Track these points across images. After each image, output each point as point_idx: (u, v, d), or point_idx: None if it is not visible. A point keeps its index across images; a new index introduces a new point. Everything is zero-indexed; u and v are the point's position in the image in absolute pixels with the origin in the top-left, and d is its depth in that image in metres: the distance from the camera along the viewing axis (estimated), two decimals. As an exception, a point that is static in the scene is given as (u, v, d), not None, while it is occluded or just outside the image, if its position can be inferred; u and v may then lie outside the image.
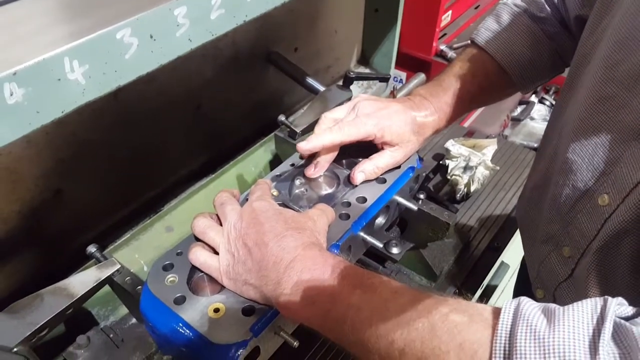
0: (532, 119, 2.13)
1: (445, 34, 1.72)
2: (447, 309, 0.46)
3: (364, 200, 0.70)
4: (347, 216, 0.68)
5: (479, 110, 1.88)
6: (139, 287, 0.69)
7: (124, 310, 0.88)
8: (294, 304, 0.53)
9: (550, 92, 2.21)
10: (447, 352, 0.43)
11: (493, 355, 0.41)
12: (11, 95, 0.41)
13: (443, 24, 1.65)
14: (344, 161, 0.77)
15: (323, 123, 0.73)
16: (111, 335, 0.79)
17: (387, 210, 0.75)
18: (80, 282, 0.67)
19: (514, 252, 1.11)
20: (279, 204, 0.64)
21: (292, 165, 0.77)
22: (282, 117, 0.96)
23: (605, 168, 0.61)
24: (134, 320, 0.83)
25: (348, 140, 0.71)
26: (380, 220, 0.75)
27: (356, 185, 0.73)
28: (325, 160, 0.73)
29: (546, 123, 2.27)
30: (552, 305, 0.42)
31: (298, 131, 0.91)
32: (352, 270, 0.53)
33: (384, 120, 0.71)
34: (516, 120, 2.07)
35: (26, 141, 0.71)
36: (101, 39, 0.46)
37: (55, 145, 0.75)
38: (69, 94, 0.46)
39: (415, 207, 0.75)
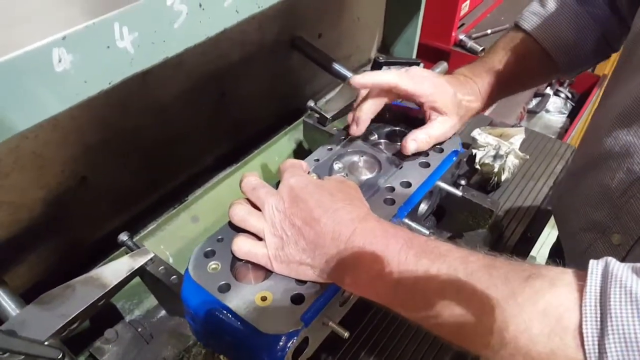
0: (547, 111, 2.10)
1: (463, 24, 1.69)
2: (525, 273, 0.43)
3: (409, 185, 0.67)
4: (392, 201, 0.65)
5: (495, 103, 1.85)
6: (174, 277, 0.66)
7: (149, 303, 0.84)
8: (362, 280, 0.50)
9: (565, 85, 2.17)
10: (530, 320, 0.40)
11: (584, 319, 0.38)
12: (60, 62, 0.38)
13: (462, 13, 1.62)
14: (384, 131, 0.75)
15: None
16: (139, 329, 0.76)
17: (429, 197, 0.72)
18: (113, 271, 0.64)
19: (539, 244, 1.09)
20: None
21: (330, 149, 0.74)
22: (311, 103, 0.92)
23: None
24: (162, 313, 0.80)
25: (403, 86, 0.68)
26: (423, 206, 0.72)
27: (398, 169, 0.70)
28: (366, 116, 0.71)
29: (562, 115, 2.21)
30: None
31: (329, 117, 0.88)
32: (415, 239, 0.50)
33: (438, 87, 0.70)
34: (532, 113, 2.04)
35: (53, 125, 0.68)
36: (152, 4, 0.42)
37: (82, 129, 0.72)
38: (118, 63, 0.42)
39: (459, 193, 0.72)
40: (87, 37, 0.39)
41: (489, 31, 1.69)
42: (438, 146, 0.74)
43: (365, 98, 0.71)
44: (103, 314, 0.80)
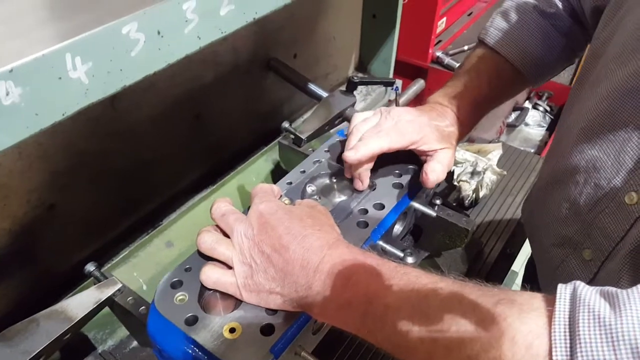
0: (526, 124, 2.13)
1: (440, 41, 1.70)
2: (494, 300, 0.42)
3: (382, 207, 0.66)
4: (366, 224, 0.64)
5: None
6: (143, 307, 0.64)
7: (122, 332, 0.82)
8: (330, 309, 0.49)
9: (543, 98, 2.20)
10: (500, 348, 0.39)
11: (553, 346, 0.37)
12: (7, 95, 0.37)
13: (438, 30, 1.64)
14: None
15: (358, 132, 0.69)
16: (111, 361, 0.74)
17: (404, 218, 0.71)
18: (79, 303, 0.62)
19: (520, 259, 1.08)
20: None
21: (303, 172, 0.73)
22: (286, 124, 0.92)
23: (634, 165, 0.57)
24: (134, 343, 0.78)
25: (395, 147, 0.67)
26: (397, 227, 0.72)
27: (372, 191, 0.69)
28: (366, 171, 0.69)
29: (541, 129, 2.24)
30: (610, 288, 0.39)
31: (303, 138, 0.87)
32: (384, 265, 0.49)
33: (423, 128, 0.68)
34: (511, 127, 2.06)
35: (18, 153, 0.66)
36: (106, 33, 0.41)
37: (48, 156, 0.70)
38: (71, 95, 0.41)
39: (433, 214, 0.71)
40: (37, 69, 0.38)
41: (465, 47, 1.71)
42: (411, 167, 0.73)
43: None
44: (74, 345, 0.78)
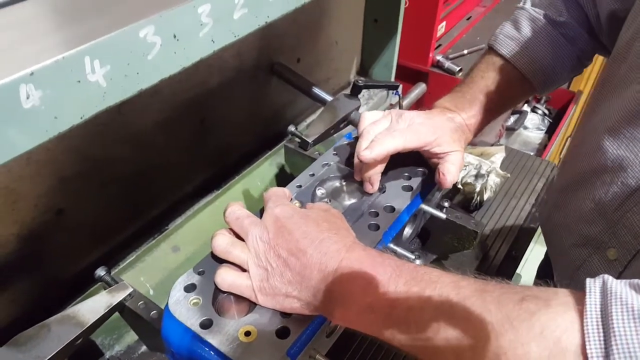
0: (525, 128, 2.13)
1: (440, 45, 1.71)
2: (518, 296, 0.42)
3: (393, 209, 0.67)
4: (377, 227, 0.64)
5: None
6: (154, 312, 0.64)
7: (130, 337, 0.82)
8: (351, 313, 0.48)
9: (542, 101, 2.21)
10: (527, 344, 0.39)
11: (587, 339, 0.37)
12: (28, 98, 0.37)
13: (438, 34, 1.65)
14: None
15: (369, 134, 0.69)
16: (119, 366, 0.73)
17: (413, 220, 0.72)
18: (90, 308, 0.62)
19: (524, 261, 1.08)
20: None
21: (312, 175, 0.73)
22: (292, 128, 0.92)
23: None
24: (143, 348, 0.77)
25: (409, 146, 0.67)
26: (407, 230, 0.72)
27: (382, 194, 0.69)
28: (377, 174, 0.69)
29: (540, 132, 2.23)
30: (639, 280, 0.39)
31: (310, 141, 0.87)
32: (404, 266, 0.49)
33: (437, 129, 0.69)
34: (510, 130, 2.07)
35: (26, 158, 0.66)
36: (124, 37, 0.42)
37: (57, 162, 0.70)
38: (89, 98, 0.41)
39: (443, 216, 0.71)
40: (56, 72, 0.38)
41: (465, 51, 1.72)
42: (420, 169, 0.73)
43: None
44: (82, 350, 0.77)
